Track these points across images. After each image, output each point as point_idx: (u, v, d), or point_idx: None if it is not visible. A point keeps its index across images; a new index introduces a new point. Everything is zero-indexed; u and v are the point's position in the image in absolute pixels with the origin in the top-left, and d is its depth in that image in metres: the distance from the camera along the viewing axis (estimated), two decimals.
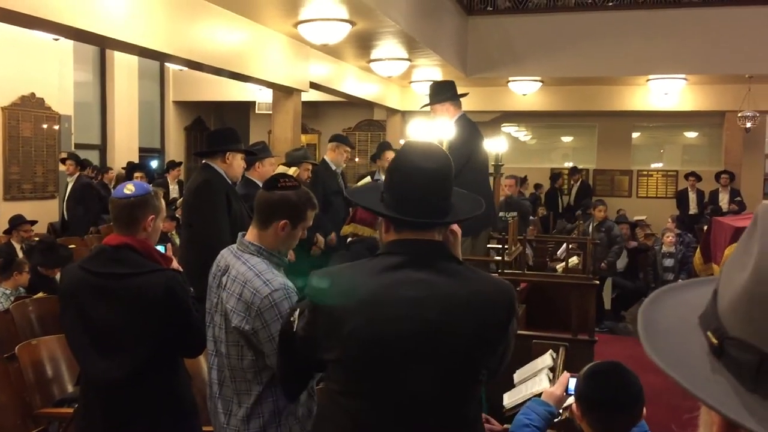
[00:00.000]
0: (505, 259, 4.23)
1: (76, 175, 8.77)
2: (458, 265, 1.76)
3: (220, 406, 2.34)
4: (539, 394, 2.84)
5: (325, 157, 6.47)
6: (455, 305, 1.65)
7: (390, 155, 6.75)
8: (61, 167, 9.66)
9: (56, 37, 8.26)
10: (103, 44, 7.91)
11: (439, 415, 1.68)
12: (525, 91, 12.04)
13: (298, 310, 1.84)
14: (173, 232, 8.07)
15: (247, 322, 2.20)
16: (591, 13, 10.60)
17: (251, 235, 2.34)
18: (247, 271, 2.24)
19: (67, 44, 10.03)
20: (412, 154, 1.73)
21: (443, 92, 4.90)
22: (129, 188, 2.48)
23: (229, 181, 4.11)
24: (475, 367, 1.72)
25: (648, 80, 11.43)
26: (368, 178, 6.66)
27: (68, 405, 3.32)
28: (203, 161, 4.23)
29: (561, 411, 2.18)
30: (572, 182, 13.46)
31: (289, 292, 2.22)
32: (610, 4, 10.71)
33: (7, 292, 4.77)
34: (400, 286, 1.64)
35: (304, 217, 2.34)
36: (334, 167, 6.37)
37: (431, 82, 5.07)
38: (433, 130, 4.04)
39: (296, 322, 1.82)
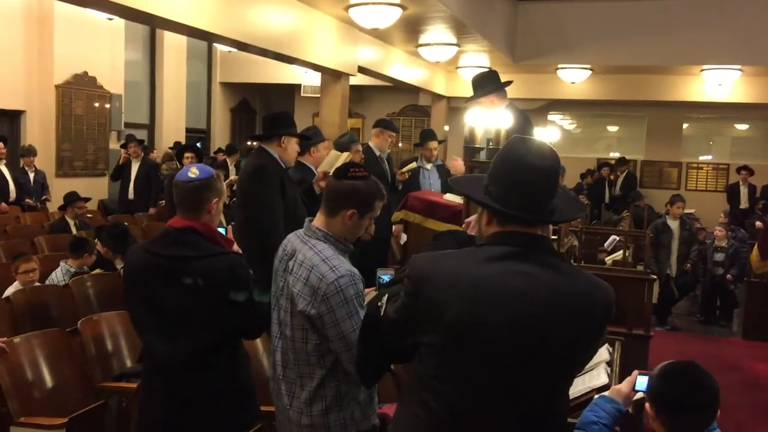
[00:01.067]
0: (560, 251, 4.18)
1: (141, 157, 8.96)
2: (562, 261, 1.77)
3: (284, 387, 2.37)
4: (599, 389, 2.82)
5: (370, 143, 6.47)
6: (558, 300, 1.65)
7: (434, 145, 6.73)
8: (113, 147, 9.85)
9: (110, 16, 8.38)
10: (154, 24, 8.00)
11: (529, 407, 1.68)
12: (574, 79, 11.85)
13: (386, 294, 1.85)
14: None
15: (313, 307, 2.22)
16: (645, 1, 10.35)
17: (319, 221, 2.35)
18: (314, 257, 2.26)
19: (119, 24, 10.18)
20: (525, 151, 1.72)
21: (486, 84, 4.80)
22: (193, 171, 2.49)
23: (284, 165, 4.13)
24: (570, 364, 1.73)
25: (702, 70, 11.16)
26: (414, 164, 6.63)
27: (127, 380, 3.40)
28: (257, 145, 4.25)
29: (629, 409, 2.15)
30: (618, 173, 13.25)
31: (355, 278, 2.23)
32: None
33: (72, 269, 4.87)
34: (505, 276, 1.65)
35: (372, 208, 2.35)
36: (378, 152, 6.37)
37: (473, 76, 4.99)
38: (490, 119, 4.00)
39: (384, 306, 1.83)
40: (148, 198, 8.87)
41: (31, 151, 8.36)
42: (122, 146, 9.19)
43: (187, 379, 2.46)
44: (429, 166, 6.68)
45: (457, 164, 5.59)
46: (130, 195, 8.91)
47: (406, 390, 1.89)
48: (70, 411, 3.10)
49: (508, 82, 4.90)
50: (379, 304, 1.87)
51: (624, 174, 13.14)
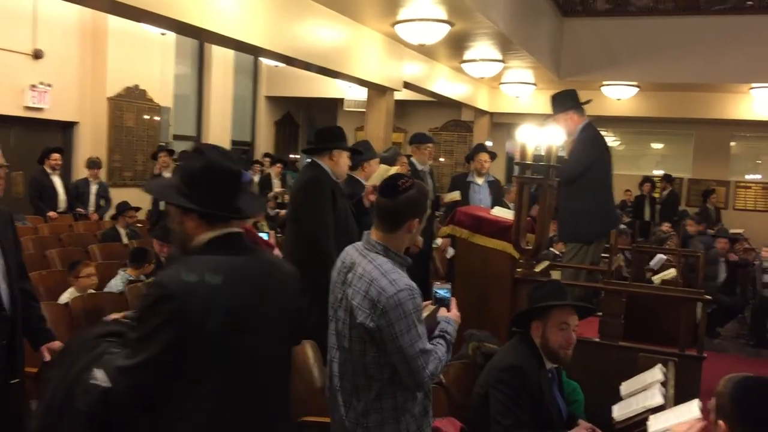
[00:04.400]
0: (610, 269, 4.15)
1: (172, 167, 9.06)
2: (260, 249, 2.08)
3: (340, 398, 2.40)
4: (653, 409, 2.79)
5: (411, 159, 6.52)
6: (282, 273, 2.01)
7: (484, 157, 6.71)
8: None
9: (164, 31, 8.60)
10: (205, 38, 8.17)
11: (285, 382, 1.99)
12: (619, 96, 11.77)
13: (96, 372, 1.76)
14: (263, 223, 8.30)
15: (372, 320, 2.25)
16: (693, 18, 10.24)
17: (376, 235, 2.39)
18: (373, 270, 2.29)
19: (171, 38, 10.43)
20: (222, 157, 1.91)
21: (565, 102, 4.86)
22: None
23: (335, 179, 4.19)
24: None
25: (751, 89, 10.98)
26: (457, 194, 6.55)
27: None
28: (310, 158, 4.32)
29: None
30: (662, 190, 12.99)
31: (414, 292, 2.26)
32: (714, 9, 10.32)
33: (130, 277, 4.99)
34: (247, 267, 1.89)
35: (426, 208, 2.44)
36: (420, 167, 6.42)
37: (552, 94, 5.04)
38: (541, 135, 4.01)
39: (109, 375, 1.74)
40: None
41: (96, 164, 8.60)
42: (152, 157, 9.32)
43: None
44: (480, 180, 6.64)
45: None
46: (161, 205, 8.97)
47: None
48: None
49: (588, 101, 4.94)
50: (92, 382, 1.73)
51: (668, 192, 12.90)
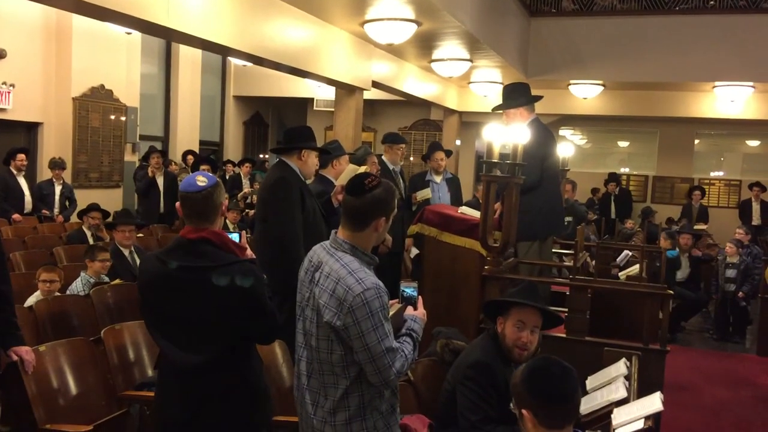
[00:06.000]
0: (576, 265, 4.21)
1: (163, 170, 9.04)
2: None
3: (308, 397, 2.41)
4: (617, 402, 2.84)
5: (383, 158, 6.54)
6: None
7: (440, 155, 6.77)
8: (128, 159, 9.88)
9: (129, 30, 8.50)
10: (172, 38, 8.09)
11: None
12: (586, 95, 11.91)
13: None
14: (234, 224, 8.27)
15: (339, 318, 2.26)
16: (657, 17, 10.42)
17: (344, 233, 2.40)
18: (340, 269, 2.30)
19: (137, 38, 10.32)
20: None
21: (518, 96, 4.87)
22: (201, 180, 2.49)
23: (303, 178, 4.18)
24: None
25: (714, 87, 11.19)
26: (428, 191, 6.59)
27: (148, 389, 3.43)
28: (278, 158, 4.30)
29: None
30: (611, 189, 13.20)
31: (381, 291, 2.27)
32: (677, 8, 10.51)
33: (91, 280, 4.94)
34: None
35: (394, 207, 2.43)
36: (391, 167, 6.44)
37: (504, 85, 5.04)
38: (506, 134, 4.04)
39: None
40: (174, 210, 8.94)
41: (59, 165, 8.47)
42: (143, 158, 9.23)
43: (202, 381, 2.46)
44: (438, 179, 6.70)
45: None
46: (161, 208, 8.95)
47: None
48: (94, 419, 3.14)
49: (539, 97, 4.96)
50: None
51: (618, 190, 13.14)
